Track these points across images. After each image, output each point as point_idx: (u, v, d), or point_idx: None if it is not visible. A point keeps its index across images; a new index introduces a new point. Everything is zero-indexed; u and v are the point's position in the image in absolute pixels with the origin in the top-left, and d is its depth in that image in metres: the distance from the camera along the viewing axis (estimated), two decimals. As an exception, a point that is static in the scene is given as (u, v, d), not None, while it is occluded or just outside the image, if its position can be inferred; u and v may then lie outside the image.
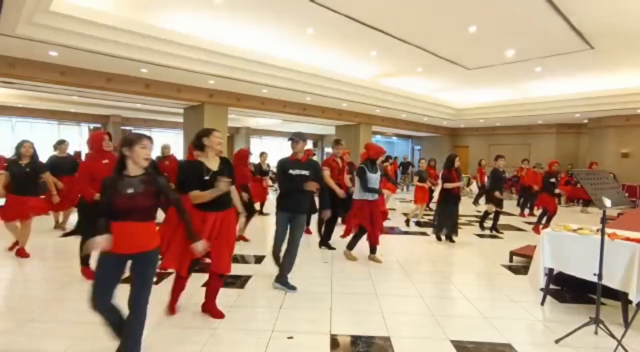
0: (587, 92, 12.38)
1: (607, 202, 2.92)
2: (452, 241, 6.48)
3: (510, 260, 5.37)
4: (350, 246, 5.31)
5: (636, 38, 7.49)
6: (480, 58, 9.33)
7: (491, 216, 7.54)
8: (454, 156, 6.46)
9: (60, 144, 6.72)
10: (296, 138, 3.99)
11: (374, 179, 5.06)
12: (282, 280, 4.04)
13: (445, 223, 6.39)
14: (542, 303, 3.77)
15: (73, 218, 6.66)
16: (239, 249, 5.64)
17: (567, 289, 4.15)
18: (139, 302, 2.38)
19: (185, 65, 8.14)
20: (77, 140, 18.41)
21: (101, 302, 2.35)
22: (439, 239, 6.58)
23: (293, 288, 3.98)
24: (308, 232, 7.05)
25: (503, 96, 14.12)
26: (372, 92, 12.02)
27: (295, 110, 13.14)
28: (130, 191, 2.35)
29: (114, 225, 2.34)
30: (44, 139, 17.52)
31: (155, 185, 2.43)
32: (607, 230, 3.25)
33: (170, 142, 9.31)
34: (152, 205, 2.44)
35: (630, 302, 3.15)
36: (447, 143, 21.40)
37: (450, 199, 6.33)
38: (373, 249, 5.27)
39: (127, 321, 2.39)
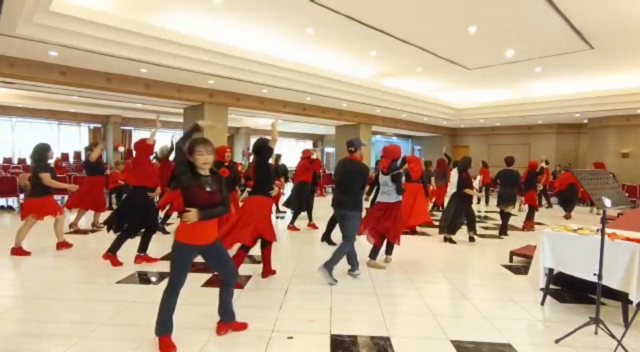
0: (587, 92, 12.39)
1: (607, 202, 2.92)
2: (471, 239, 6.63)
3: (510, 260, 5.37)
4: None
5: (636, 38, 7.49)
6: (480, 58, 9.33)
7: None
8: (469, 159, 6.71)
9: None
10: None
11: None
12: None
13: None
14: (542, 303, 3.77)
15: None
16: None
17: (567, 289, 4.15)
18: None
19: (185, 65, 8.14)
20: (77, 140, 18.41)
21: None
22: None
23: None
24: (314, 226, 7.46)
25: (503, 96, 14.12)
26: (372, 92, 12.03)
27: (295, 110, 13.15)
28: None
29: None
30: (44, 139, 17.57)
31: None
32: (607, 230, 3.25)
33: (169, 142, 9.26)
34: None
35: (630, 302, 3.15)
36: (447, 143, 21.34)
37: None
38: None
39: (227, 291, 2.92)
